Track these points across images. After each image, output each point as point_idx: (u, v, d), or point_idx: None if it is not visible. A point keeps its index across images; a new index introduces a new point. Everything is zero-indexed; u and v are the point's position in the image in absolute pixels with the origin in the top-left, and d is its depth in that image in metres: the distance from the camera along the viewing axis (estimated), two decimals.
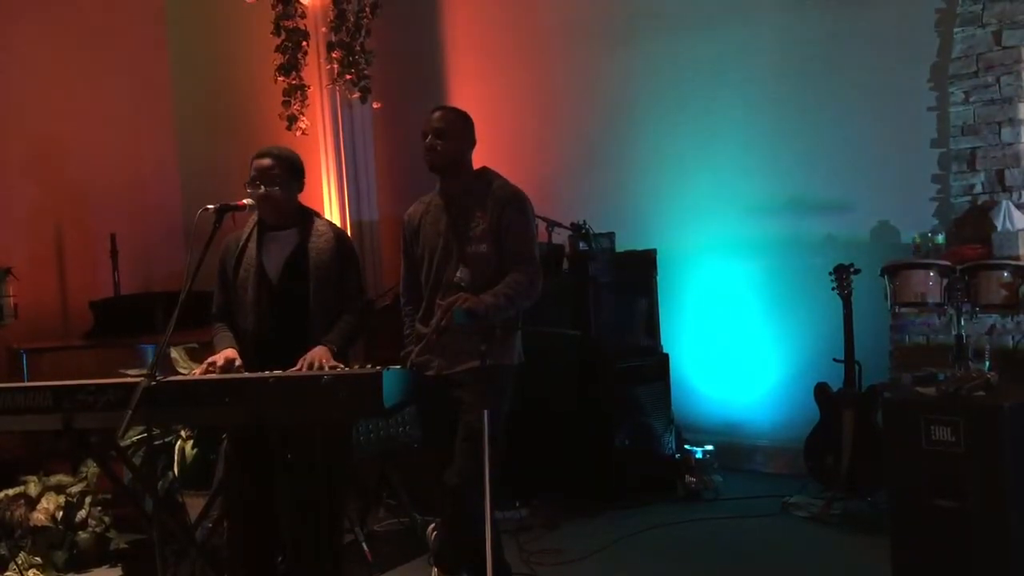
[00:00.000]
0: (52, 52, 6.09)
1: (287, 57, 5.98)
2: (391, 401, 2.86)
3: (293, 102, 6.01)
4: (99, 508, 4.37)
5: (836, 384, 4.49)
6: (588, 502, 4.78)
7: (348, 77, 6.03)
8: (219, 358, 3.24)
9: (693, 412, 5.49)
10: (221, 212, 3.17)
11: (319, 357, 3.17)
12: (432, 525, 3.75)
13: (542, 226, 4.93)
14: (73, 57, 6.21)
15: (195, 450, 4.09)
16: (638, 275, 5.29)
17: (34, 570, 4.13)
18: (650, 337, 5.32)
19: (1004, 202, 4.47)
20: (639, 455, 4.97)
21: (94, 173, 6.26)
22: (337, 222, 6.10)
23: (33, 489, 4.36)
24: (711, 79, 5.46)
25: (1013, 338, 4.27)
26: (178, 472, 4.11)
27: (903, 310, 4.32)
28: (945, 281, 4.03)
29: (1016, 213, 4.43)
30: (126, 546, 4.33)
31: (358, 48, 6.04)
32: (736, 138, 5.38)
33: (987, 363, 3.63)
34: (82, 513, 4.33)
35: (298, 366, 3.14)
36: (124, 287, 5.98)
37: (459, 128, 3.46)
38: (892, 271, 4.21)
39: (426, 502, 4.11)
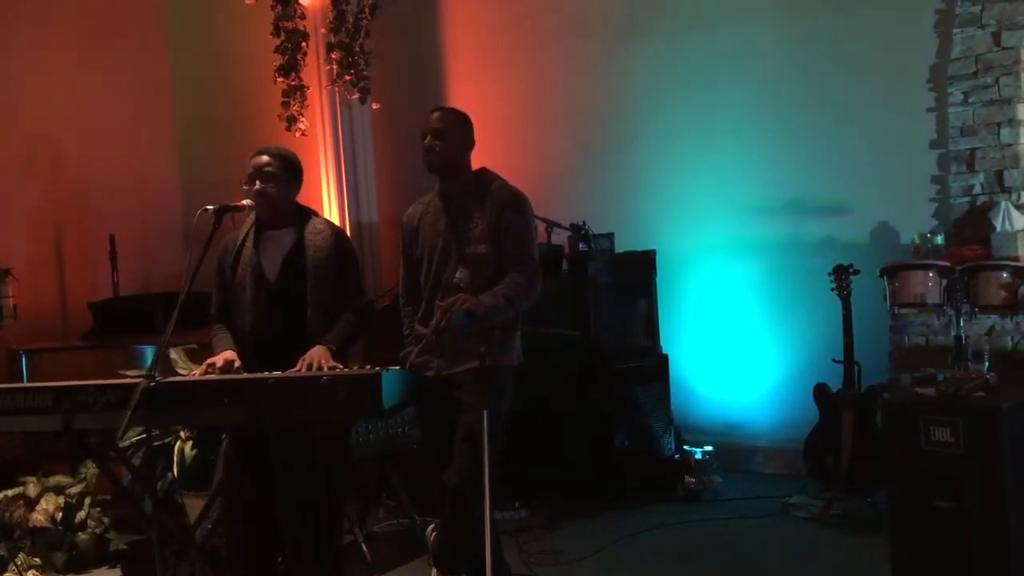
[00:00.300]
0: (52, 53, 6.09)
1: (286, 58, 5.98)
2: (390, 402, 2.86)
3: (292, 103, 6.00)
4: (98, 509, 4.37)
5: (835, 385, 4.50)
6: (588, 503, 4.78)
7: (347, 78, 6.03)
8: (218, 359, 3.24)
9: (692, 413, 5.49)
10: (220, 213, 3.17)
11: (318, 357, 3.17)
12: (431, 526, 3.75)
13: (541, 227, 4.94)
14: (73, 58, 6.21)
15: (194, 451, 4.09)
16: (637, 276, 5.29)
17: (33, 571, 4.13)
18: (649, 338, 5.33)
19: (1003, 203, 4.47)
20: (639, 456, 4.97)
21: (94, 174, 6.25)
22: (336, 223, 6.09)
23: (32, 490, 4.35)
24: (711, 80, 5.46)
25: (1012, 339, 4.27)
26: (177, 473, 4.11)
27: (902, 311, 4.32)
28: (944, 282, 4.04)
29: (1015, 214, 4.43)
30: (125, 547, 4.33)
31: (357, 49, 6.04)
32: (735, 139, 5.38)
33: (986, 364, 3.63)
34: (81, 514, 4.33)
35: (297, 367, 3.14)
36: (123, 288, 5.98)
37: (458, 129, 3.46)
38: (891, 272, 4.21)
39: (426, 503, 4.11)
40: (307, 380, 2.94)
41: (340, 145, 6.32)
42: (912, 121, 4.81)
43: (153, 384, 2.84)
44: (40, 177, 6.00)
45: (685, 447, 5.06)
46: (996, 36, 4.56)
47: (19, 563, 4.09)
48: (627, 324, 5.23)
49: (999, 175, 4.60)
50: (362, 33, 6.04)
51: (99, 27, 6.40)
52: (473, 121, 3.53)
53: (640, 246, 5.35)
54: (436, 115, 3.47)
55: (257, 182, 3.32)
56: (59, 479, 4.44)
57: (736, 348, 5.48)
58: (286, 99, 6.01)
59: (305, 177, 3.52)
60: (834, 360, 4.48)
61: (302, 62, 6.03)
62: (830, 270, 4.51)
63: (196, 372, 3.25)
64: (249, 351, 3.30)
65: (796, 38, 5.17)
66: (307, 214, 3.47)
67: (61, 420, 2.96)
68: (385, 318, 4.81)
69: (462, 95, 6.34)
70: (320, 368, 3.10)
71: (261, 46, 6.08)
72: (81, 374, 4.01)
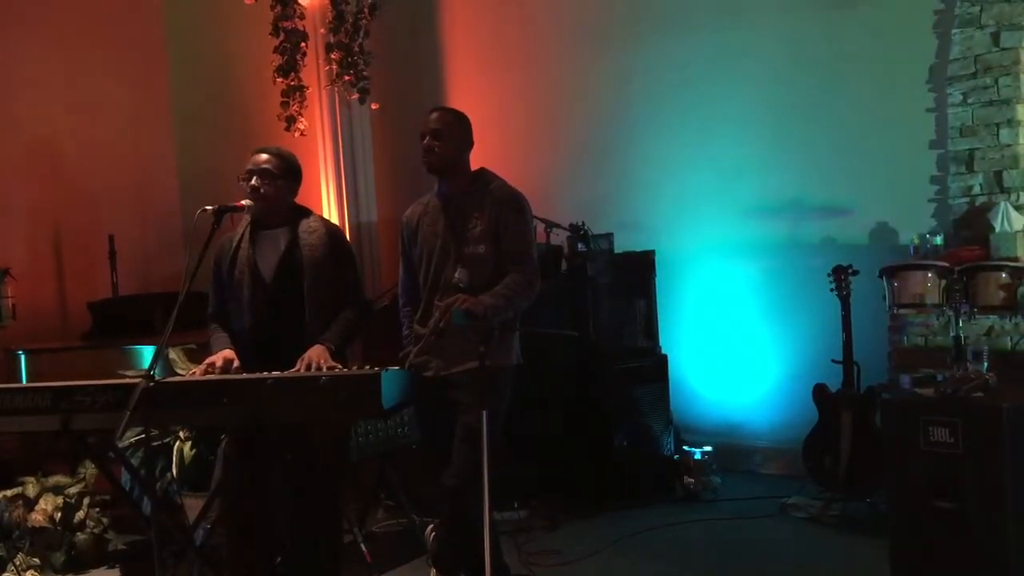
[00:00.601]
0: (51, 53, 6.09)
1: (286, 58, 5.99)
2: (390, 402, 2.86)
3: (292, 103, 6.01)
4: (97, 509, 4.37)
5: (835, 385, 4.49)
6: (587, 503, 4.78)
7: (347, 78, 6.04)
8: (218, 359, 3.23)
9: (692, 413, 5.49)
10: (220, 213, 3.18)
11: (317, 357, 3.17)
12: (431, 526, 3.75)
13: (540, 227, 4.94)
14: (72, 58, 6.21)
15: (193, 451, 4.09)
16: (637, 276, 5.29)
17: (32, 571, 4.13)
18: (649, 338, 5.32)
19: (1002, 203, 4.47)
20: (638, 456, 4.97)
21: (93, 174, 6.25)
22: (336, 223, 6.08)
23: (31, 490, 4.35)
24: (710, 80, 5.46)
25: (1011, 339, 4.27)
26: (176, 473, 4.11)
27: (902, 311, 4.32)
28: (943, 282, 4.04)
29: (1014, 214, 4.43)
30: (124, 547, 4.33)
31: (357, 49, 6.04)
32: (735, 140, 5.38)
33: (985, 364, 3.63)
34: (80, 514, 4.33)
35: (297, 367, 3.13)
36: (122, 288, 5.98)
37: (456, 129, 3.46)
38: (891, 272, 4.21)
39: (425, 503, 4.11)
40: (306, 380, 2.93)
41: (339, 145, 6.32)
42: (911, 121, 4.81)
43: (152, 384, 2.83)
44: (39, 177, 6.00)
45: (684, 447, 5.06)
46: (995, 37, 4.56)
47: (18, 563, 4.08)
48: (626, 324, 5.23)
49: (998, 175, 4.60)
50: (361, 33, 6.05)
51: (98, 27, 6.40)
52: (472, 121, 3.53)
53: (639, 246, 5.35)
54: (435, 115, 3.47)
55: (255, 180, 3.32)
56: (58, 479, 4.43)
57: (735, 348, 5.48)
58: (285, 99, 6.02)
59: (304, 177, 3.52)
60: (833, 360, 4.48)
61: (301, 62, 6.03)
62: (829, 270, 4.50)
63: (196, 372, 3.25)
64: (247, 351, 3.30)
65: (795, 39, 5.17)
66: (302, 213, 3.47)
67: (60, 420, 2.96)
68: (384, 318, 4.81)
69: (461, 95, 6.35)
70: (319, 368, 3.10)
71: (260, 46, 6.09)
72: (80, 374, 4.00)
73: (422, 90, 6.52)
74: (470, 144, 3.51)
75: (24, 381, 4.83)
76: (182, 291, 2.99)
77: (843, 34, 5.01)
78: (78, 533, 4.30)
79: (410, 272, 3.60)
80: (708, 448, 5.01)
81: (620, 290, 5.20)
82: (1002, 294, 3.93)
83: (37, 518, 4.25)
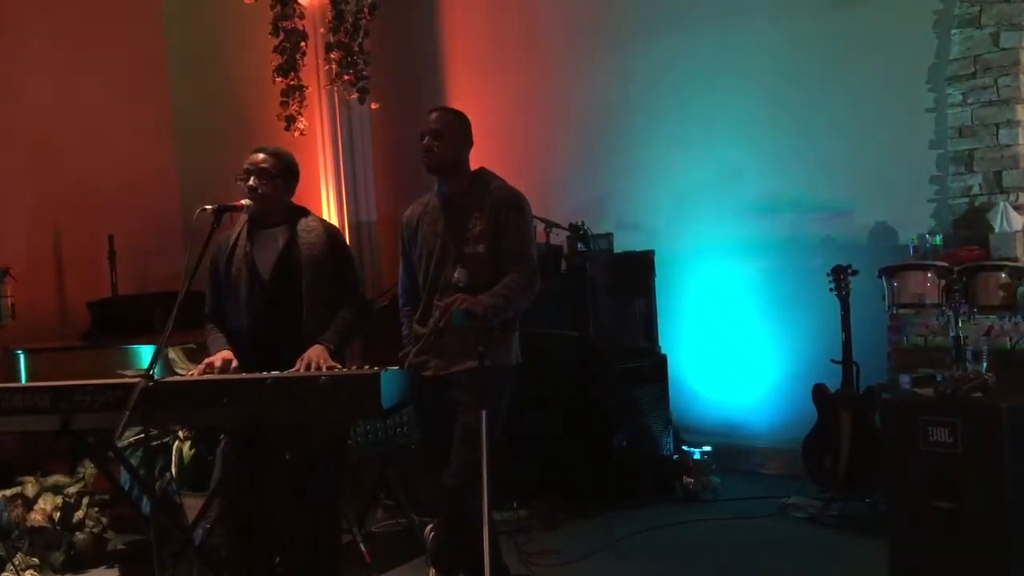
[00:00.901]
0: (50, 52, 6.08)
1: (285, 58, 5.98)
2: (389, 402, 2.86)
3: (291, 102, 6.01)
4: (97, 509, 4.37)
5: (834, 385, 4.49)
6: (586, 503, 4.78)
7: (346, 78, 6.04)
8: (217, 359, 3.23)
9: (691, 413, 5.49)
10: (219, 213, 3.18)
11: (317, 357, 3.17)
12: (430, 526, 3.75)
13: (540, 227, 4.94)
14: (71, 57, 6.20)
15: (193, 451, 4.09)
16: (636, 276, 5.29)
17: (31, 571, 4.12)
18: (648, 338, 5.32)
19: (1002, 203, 4.47)
20: (637, 456, 4.97)
21: (92, 174, 6.24)
22: (335, 222, 6.10)
23: (30, 489, 4.35)
24: (709, 80, 5.46)
25: (1011, 339, 4.27)
26: (176, 472, 4.10)
27: (901, 311, 4.32)
28: (943, 282, 4.04)
29: (1013, 214, 4.43)
30: (124, 547, 4.33)
31: (356, 49, 6.04)
32: (734, 140, 5.38)
33: (985, 364, 3.63)
34: (79, 514, 4.32)
35: (296, 366, 3.13)
36: (122, 288, 5.97)
37: (456, 129, 3.45)
38: (890, 272, 4.21)
39: (424, 503, 4.11)
40: (306, 380, 2.93)
41: (339, 145, 6.32)
42: (911, 122, 4.81)
43: (151, 384, 2.83)
44: (39, 177, 5.99)
45: (684, 447, 5.06)
46: (995, 37, 4.56)
47: (17, 563, 4.08)
48: (626, 325, 5.23)
49: (997, 176, 4.60)
50: (361, 33, 6.05)
51: (97, 27, 6.39)
52: (471, 121, 3.53)
53: (639, 246, 5.35)
54: (434, 115, 3.47)
55: (252, 179, 3.32)
56: (57, 479, 4.43)
57: (735, 348, 5.48)
58: (285, 99, 6.01)
59: (304, 177, 3.52)
60: (833, 360, 4.48)
61: (301, 62, 6.03)
62: (829, 270, 4.51)
63: (195, 372, 3.25)
64: (245, 350, 3.30)
65: (795, 39, 5.17)
66: (300, 213, 3.47)
67: (59, 420, 2.96)
68: (384, 318, 4.80)
69: (461, 95, 6.35)
70: (319, 368, 3.10)
71: (260, 46, 6.08)
72: (79, 374, 3.99)
73: (422, 90, 6.52)
74: (470, 144, 3.51)
75: (23, 381, 4.82)
76: (182, 291, 2.99)
77: (843, 34, 5.01)
78: (77, 533, 4.30)
79: (410, 272, 3.60)
80: (708, 448, 5.01)
81: (620, 290, 5.20)
82: (1001, 294, 3.93)
83: (36, 518, 4.25)
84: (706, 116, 5.48)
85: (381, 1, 6.10)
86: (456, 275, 3.34)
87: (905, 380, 3.98)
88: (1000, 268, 3.99)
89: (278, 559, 3.42)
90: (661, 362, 5.24)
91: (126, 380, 3.11)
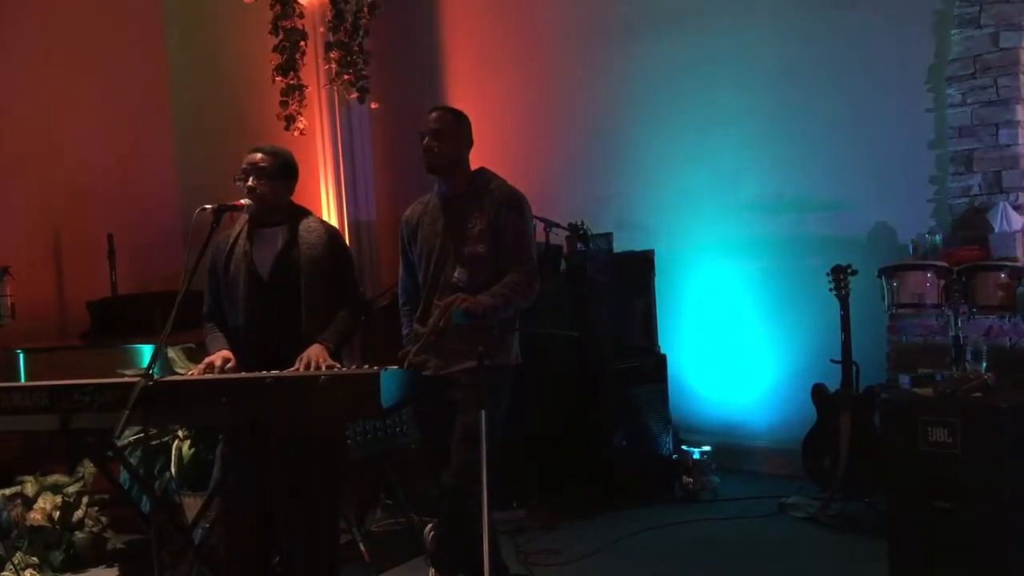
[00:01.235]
0: (50, 52, 6.08)
1: (285, 57, 5.97)
2: (388, 401, 2.85)
3: (291, 102, 6.00)
4: (96, 508, 4.37)
5: (833, 385, 4.50)
6: (585, 503, 4.78)
7: (346, 77, 6.03)
8: (216, 359, 3.23)
9: (691, 413, 5.49)
10: (219, 212, 3.17)
11: (316, 356, 3.16)
12: (429, 526, 3.75)
13: (540, 227, 4.94)
14: (71, 57, 6.20)
15: (192, 450, 4.09)
16: (636, 276, 5.29)
17: (31, 570, 4.13)
18: (648, 338, 5.32)
19: (1001, 203, 4.47)
20: (637, 456, 4.97)
21: (92, 173, 6.24)
22: (334, 222, 6.10)
23: (30, 489, 4.35)
24: (709, 81, 5.46)
25: (1010, 339, 4.27)
26: (175, 472, 4.10)
27: (901, 311, 4.32)
28: (942, 282, 4.04)
29: (1013, 214, 4.43)
30: (123, 546, 4.33)
31: (356, 48, 6.03)
32: (734, 139, 5.38)
33: (984, 364, 3.63)
34: (79, 513, 4.33)
35: (295, 366, 3.13)
36: (121, 287, 5.98)
37: (456, 129, 3.45)
38: (890, 272, 4.21)
39: (424, 503, 4.11)
40: (305, 379, 2.93)
41: (339, 144, 6.31)
42: (910, 122, 4.81)
43: (151, 383, 2.83)
44: (38, 176, 5.99)
45: (683, 447, 5.06)
46: (994, 37, 4.56)
47: (16, 562, 4.08)
48: (625, 324, 5.23)
49: (997, 176, 4.60)
50: (361, 32, 6.04)
51: (96, 26, 6.39)
52: (471, 120, 3.52)
53: (639, 246, 5.35)
54: (434, 115, 3.46)
55: (250, 179, 3.31)
56: (57, 478, 4.43)
57: (734, 348, 5.48)
58: (284, 98, 6.00)
59: (304, 176, 3.51)
60: (832, 360, 4.48)
61: (301, 61, 6.02)
62: (828, 270, 4.51)
63: (195, 371, 3.24)
64: (243, 350, 3.30)
65: (795, 39, 5.17)
66: (301, 213, 3.46)
67: (59, 419, 2.96)
68: (384, 318, 4.80)
69: (461, 94, 6.35)
70: (318, 367, 3.10)
71: (259, 45, 6.07)
72: (79, 373, 3.99)
73: (422, 89, 6.51)
74: (470, 143, 3.51)
75: (23, 380, 4.82)
76: (181, 290, 2.99)
77: (843, 34, 5.01)
78: (77, 532, 4.30)
79: (410, 271, 3.60)
80: (707, 448, 5.02)
81: (619, 290, 5.20)
82: (1001, 294, 3.93)
83: (36, 517, 4.25)
84: (706, 115, 5.48)
85: (381, 0, 6.09)
86: (456, 275, 3.34)
87: (904, 380, 3.98)
88: (1000, 268, 3.99)
89: (278, 559, 3.42)
90: (661, 362, 5.24)
91: (125, 379, 3.11)
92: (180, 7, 7.00)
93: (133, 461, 3.91)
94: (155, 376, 2.87)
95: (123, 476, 3.78)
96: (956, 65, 4.67)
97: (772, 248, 5.29)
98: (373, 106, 6.27)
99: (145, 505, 3.59)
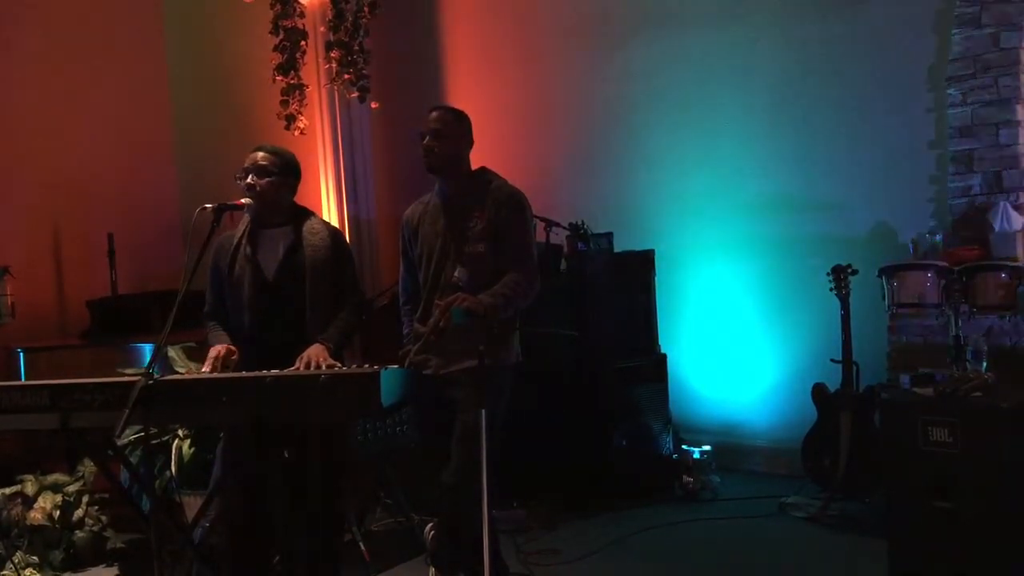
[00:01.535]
0: (49, 51, 6.08)
1: (285, 56, 5.97)
2: (389, 400, 2.85)
3: (291, 101, 6.00)
4: (96, 507, 4.37)
5: (834, 385, 4.50)
6: (586, 502, 4.78)
7: (346, 77, 6.03)
8: (221, 348, 3.23)
9: (691, 412, 5.49)
10: (219, 211, 3.17)
11: (316, 356, 3.17)
12: (430, 525, 3.75)
13: (540, 226, 4.94)
14: (70, 56, 6.20)
15: (192, 449, 4.09)
16: (636, 275, 5.28)
17: (31, 569, 4.13)
18: (648, 337, 5.32)
19: (1001, 203, 4.47)
20: (637, 455, 4.97)
21: (92, 172, 6.24)
22: (335, 221, 6.10)
23: (30, 488, 4.35)
24: (709, 80, 5.46)
25: (1011, 339, 4.27)
26: (176, 471, 4.10)
27: (901, 311, 4.32)
28: (943, 282, 4.04)
29: (1013, 214, 4.43)
30: (123, 545, 4.33)
31: (356, 48, 6.03)
32: (734, 138, 5.38)
33: (984, 364, 3.63)
34: (79, 512, 4.33)
35: (296, 365, 3.13)
36: (121, 287, 5.97)
37: (456, 128, 3.45)
38: (890, 272, 4.21)
39: (424, 502, 4.11)
40: (305, 379, 2.93)
41: (339, 144, 6.31)
42: (911, 121, 4.81)
43: (151, 382, 2.83)
44: (38, 175, 5.99)
45: (683, 447, 5.06)
46: (995, 37, 4.56)
47: (16, 561, 4.08)
48: (626, 324, 5.23)
49: (997, 175, 4.60)
50: (361, 32, 6.04)
51: (97, 25, 6.39)
52: (472, 120, 3.53)
53: (639, 246, 5.35)
54: (434, 115, 3.46)
55: (251, 177, 3.31)
56: (57, 477, 4.43)
57: (734, 348, 5.48)
58: (285, 98, 6.00)
59: (304, 176, 3.52)
60: (832, 360, 4.48)
61: (301, 61, 6.02)
62: (828, 270, 4.51)
63: (204, 367, 3.24)
64: (246, 349, 3.30)
65: (795, 38, 5.17)
66: (305, 214, 3.47)
67: (59, 418, 2.95)
68: (384, 317, 4.81)
69: (461, 94, 6.35)
70: (318, 366, 3.10)
71: (260, 45, 6.07)
72: (79, 372, 4.00)
73: (422, 89, 6.51)
74: (470, 143, 3.51)
75: (23, 379, 4.82)
76: (182, 289, 2.99)
77: (843, 34, 5.01)
78: (77, 531, 4.30)
79: (410, 271, 3.60)
80: (707, 447, 5.01)
81: (620, 289, 5.20)
82: (1001, 293, 3.93)
83: (36, 516, 4.25)
84: (706, 115, 5.47)
85: (381, 0, 6.09)
86: (456, 274, 3.34)
87: (905, 380, 3.98)
88: (1000, 268, 3.99)
89: (278, 559, 3.42)
90: (661, 361, 5.24)
91: (126, 378, 3.11)
92: (180, 7, 7.00)
93: (133, 460, 3.91)
94: (155, 375, 2.87)
95: (123, 475, 3.78)
96: (956, 65, 4.67)
97: (772, 248, 5.29)
98: (373, 106, 6.27)
99: (145, 504, 3.58)
